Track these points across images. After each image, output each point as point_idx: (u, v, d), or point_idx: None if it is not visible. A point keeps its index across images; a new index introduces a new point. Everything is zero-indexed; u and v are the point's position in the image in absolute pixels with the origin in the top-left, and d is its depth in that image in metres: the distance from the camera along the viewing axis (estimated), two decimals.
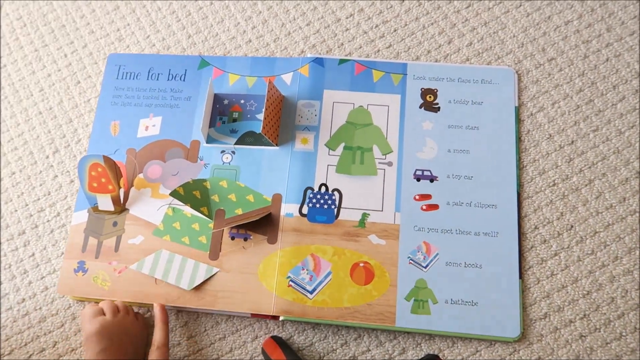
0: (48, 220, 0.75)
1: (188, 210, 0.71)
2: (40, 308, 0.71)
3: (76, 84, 0.82)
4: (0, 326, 0.70)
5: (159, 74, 0.80)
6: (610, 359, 0.62)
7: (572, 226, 0.68)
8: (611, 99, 0.73)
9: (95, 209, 0.73)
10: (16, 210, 0.76)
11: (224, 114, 0.76)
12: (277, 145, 0.73)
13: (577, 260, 0.66)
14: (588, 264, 0.66)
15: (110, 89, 0.79)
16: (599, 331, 0.64)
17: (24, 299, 0.71)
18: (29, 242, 0.74)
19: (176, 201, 0.71)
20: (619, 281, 0.65)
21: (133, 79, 0.80)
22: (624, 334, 0.63)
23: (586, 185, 0.69)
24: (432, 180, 0.70)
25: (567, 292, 0.65)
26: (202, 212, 0.71)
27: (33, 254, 0.73)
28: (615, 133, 0.71)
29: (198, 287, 0.67)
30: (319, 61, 0.77)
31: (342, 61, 0.77)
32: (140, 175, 0.74)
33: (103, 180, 0.71)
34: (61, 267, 0.71)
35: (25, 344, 0.70)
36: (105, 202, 0.72)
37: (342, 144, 0.73)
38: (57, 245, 0.73)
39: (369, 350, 0.65)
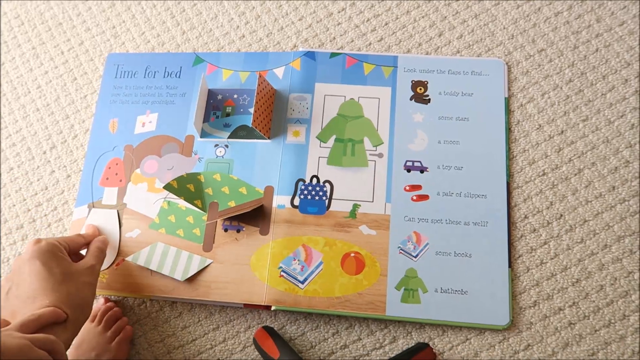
0: (45, 215, 0.76)
1: (183, 203, 0.72)
2: None
3: (73, 81, 0.83)
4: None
5: (155, 72, 0.81)
6: (598, 346, 0.63)
7: (561, 215, 0.68)
8: (601, 89, 0.73)
9: (98, 203, 0.74)
10: (14, 205, 0.77)
11: (217, 109, 0.77)
12: (269, 138, 0.74)
13: (566, 249, 0.67)
14: (577, 252, 0.67)
15: (109, 88, 0.81)
16: (588, 319, 0.64)
17: None
18: (27, 236, 0.75)
19: (172, 195, 0.73)
20: (608, 269, 0.66)
21: (130, 77, 0.81)
22: (612, 321, 0.64)
23: (576, 174, 0.70)
24: (422, 171, 0.71)
25: (557, 280, 0.66)
26: (196, 205, 0.72)
27: None
28: (605, 122, 0.72)
29: (192, 279, 0.68)
30: (310, 55, 0.78)
31: (333, 55, 0.78)
32: (137, 171, 0.75)
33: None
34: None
35: None
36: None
37: (334, 136, 0.73)
38: None
39: (360, 339, 0.66)
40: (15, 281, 0.56)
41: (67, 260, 0.59)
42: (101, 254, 0.64)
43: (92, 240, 0.66)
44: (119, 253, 0.71)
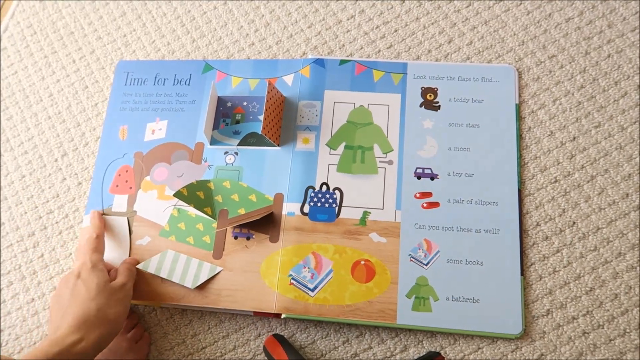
0: (57, 222, 0.76)
1: (193, 211, 0.72)
2: (49, 308, 0.72)
3: (84, 89, 0.84)
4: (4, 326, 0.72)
5: (164, 79, 0.81)
6: (614, 356, 0.62)
7: (574, 222, 0.68)
8: (613, 95, 0.72)
9: (108, 210, 0.74)
10: (26, 213, 0.78)
11: (227, 116, 0.77)
12: (278, 145, 0.74)
13: (579, 257, 0.66)
14: (591, 260, 0.66)
15: (119, 95, 0.81)
16: (603, 328, 0.63)
17: (33, 299, 0.73)
18: (38, 244, 0.76)
19: (182, 202, 0.73)
20: (622, 277, 0.65)
21: (140, 84, 0.82)
22: (627, 330, 0.63)
23: (588, 181, 0.69)
24: (432, 178, 0.70)
25: (570, 289, 0.65)
26: (205, 213, 0.72)
27: (42, 255, 0.75)
28: (618, 129, 0.71)
29: (202, 286, 0.68)
30: (319, 62, 0.78)
31: (342, 62, 0.78)
32: (147, 178, 0.76)
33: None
34: (71, 267, 0.73)
35: (34, 342, 0.71)
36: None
37: (343, 144, 0.73)
38: (66, 246, 0.75)
39: (371, 347, 0.66)
40: (56, 298, 0.62)
41: (104, 277, 0.62)
42: (131, 272, 0.67)
43: (100, 229, 0.70)
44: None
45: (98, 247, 0.67)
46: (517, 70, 0.75)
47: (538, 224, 0.68)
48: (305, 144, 0.74)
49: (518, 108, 0.73)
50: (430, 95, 0.74)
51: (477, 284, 0.65)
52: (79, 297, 0.59)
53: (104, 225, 0.72)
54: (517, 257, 0.66)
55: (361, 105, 0.75)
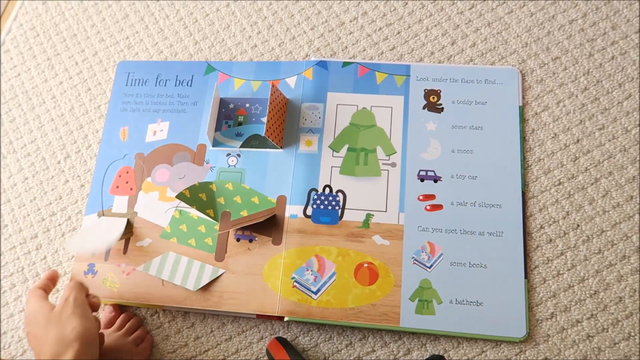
0: (59, 224, 0.76)
1: (194, 212, 0.72)
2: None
3: (87, 91, 0.84)
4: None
5: (166, 80, 0.81)
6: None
7: (578, 225, 0.67)
8: (617, 97, 0.72)
9: (108, 211, 0.74)
10: (29, 215, 0.77)
11: (229, 118, 0.77)
12: (281, 147, 0.74)
13: (583, 260, 0.66)
14: (595, 263, 0.65)
15: (120, 96, 0.81)
16: (607, 331, 0.63)
17: None
18: (41, 246, 0.76)
19: (183, 204, 0.73)
20: (627, 280, 0.64)
21: (142, 85, 0.82)
22: (632, 334, 0.62)
23: (592, 184, 0.69)
24: (436, 181, 0.70)
25: (574, 292, 0.65)
26: (208, 215, 0.71)
27: (45, 257, 0.75)
28: (622, 131, 0.70)
29: (204, 289, 0.68)
30: (322, 64, 0.78)
31: (345, 64, 0.77)
32: (149, 179, 0.76)
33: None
34: (71, 269, 0.73)
35: None
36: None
37: (346, 146, 0.73)
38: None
39: (374, 350, 0.65)
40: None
41: (46, 305, 0.57)
42: (71, 286, 0.59)
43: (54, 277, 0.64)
44: (126, 254, 0.71)
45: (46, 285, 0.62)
46: (521, 72, 0.75)
47: (542, 227, 0.68)
48: (308, 146, 0.73)
49: (522, 110, 0.73)
50: (433, 98, 0.74)
51: (481, 286, 0.65)
52: (38, 340, 0.55)
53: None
54: (521, 259, 0.66)
55: (364, 108, 0.75)
